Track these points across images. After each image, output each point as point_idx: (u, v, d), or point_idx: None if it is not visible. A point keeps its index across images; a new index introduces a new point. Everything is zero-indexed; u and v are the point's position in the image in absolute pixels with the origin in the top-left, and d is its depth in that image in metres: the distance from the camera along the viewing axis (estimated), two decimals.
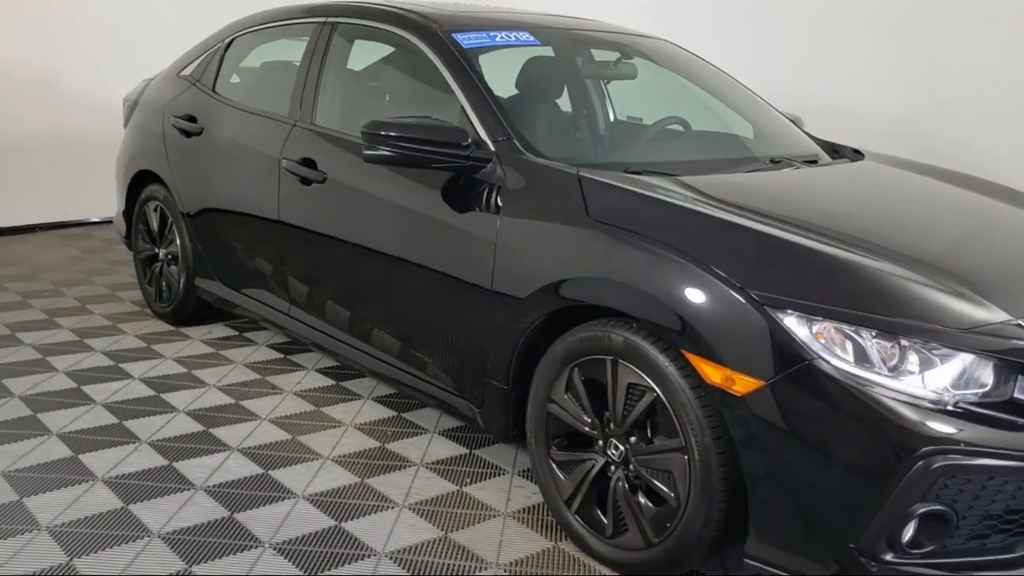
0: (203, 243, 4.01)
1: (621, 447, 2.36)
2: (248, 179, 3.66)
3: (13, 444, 3.02)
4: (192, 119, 4.01)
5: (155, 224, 4.34)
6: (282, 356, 4.01)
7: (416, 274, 2.91)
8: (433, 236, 2.84)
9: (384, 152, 2.72)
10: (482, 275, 2.65)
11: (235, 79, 4.08)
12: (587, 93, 3.84)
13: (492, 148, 2.75)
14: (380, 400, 3.54)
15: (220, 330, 4.33)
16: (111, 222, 6.93)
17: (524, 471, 2.98)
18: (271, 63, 4.06)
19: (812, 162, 3.18)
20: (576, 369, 2.44)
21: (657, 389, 2.23)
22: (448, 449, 3.14)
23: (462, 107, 2.89)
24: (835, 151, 3.48)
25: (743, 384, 2.04)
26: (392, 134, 2.70)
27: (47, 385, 3.55)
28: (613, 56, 3.65)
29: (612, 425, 2.38)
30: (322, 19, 3.57)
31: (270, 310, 3.69)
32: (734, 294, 2.08)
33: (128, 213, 4.60)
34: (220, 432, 3.20)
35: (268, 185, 3.49)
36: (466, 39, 3.09)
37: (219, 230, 3.89)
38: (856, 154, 3.42)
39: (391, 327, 3.12)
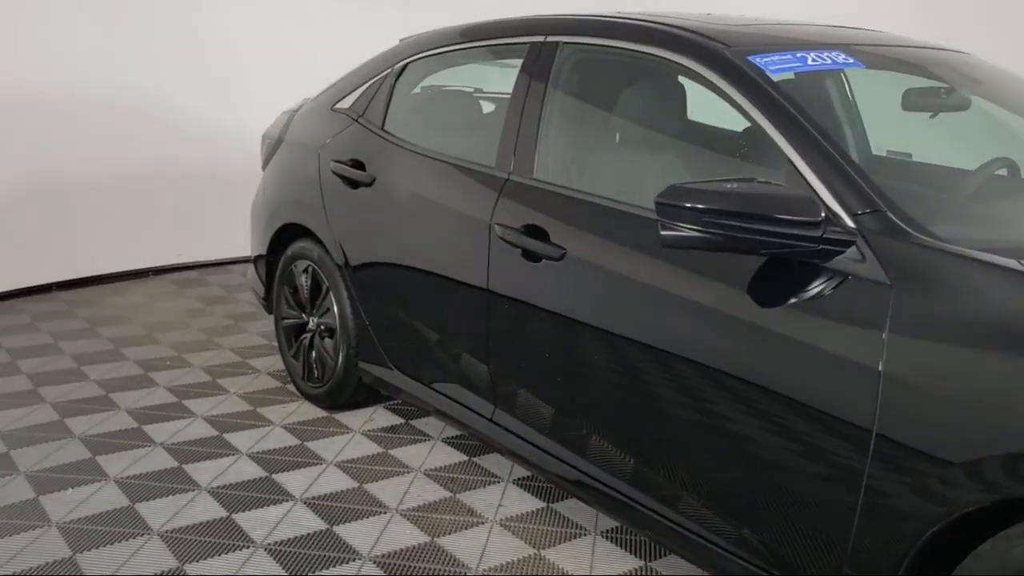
0: (372, 319, 3.23)
1: None
2: (442, 246, 2.85)
3: None
4: (359, 165, 3.23)
5: (305, 289, 3.57)
6: (466, 458, 3.20)
7: (712, 389, 2.06)
8: (745, 343, 1.98)
9: (692, 232, 1.87)
10: (851, 410, 1.77)
11: (411, 115, 3.29)
12: (862, 129, 2.96)
13: (851, 225, 1.88)
14: (608, 536, 2.69)
15: (383, 417, 3.55)
16: (228, 264, 6.31)
17: None
18: (459, 96, 3.26)
19: None
20: None
21: None
22: None
23: (790, 162, 2.03)
24: None
25: None
26: (703, 206, 1.85)
27: (190, 512, 2.78)
28: (927, 82, 2.74)
29: None
30: (539, 38, 2.74)
31: (465, 411, 2.87)
32: None
33: (268, 272, 3.86)
34: None
35: (473, 256, 2.68)
36: (770, 63, 2.23)
37: (397, 306, 3.09)
38: None
39: (660, 455, 2.27)
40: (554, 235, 2.42)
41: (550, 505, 2.88)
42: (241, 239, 6.01)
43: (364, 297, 3.25)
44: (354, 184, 3.23)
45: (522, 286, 2.54)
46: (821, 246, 1.84)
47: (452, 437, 3.37)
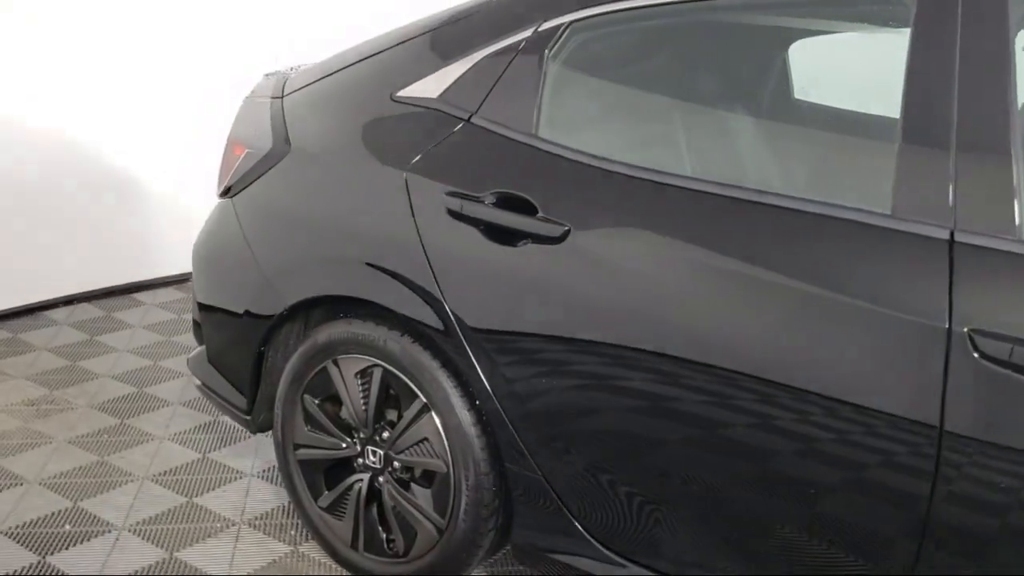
0: (556, 471, 1.86)
1: None
2: (786, 359, 1.58)
3: None
4: (518, 203, 1.83)
5: (365, 403, 2.12)
6: None
7: None
8: None
9: None
10: None
11: (607, 116, 1.95)
12: None
13: None
14: None
15: None
16: (45, 309, 4.19)
17: None
18: (720, 81, 1.96)
19: None
20: None
21: None
22: None
23: None
24: None
25: None
26: None
27: None
28: None
29: None
30: None
31: None
32: None
33: (256, 366, 2.33)
34: None
35: (892, 383, 1.47)
36: None
37: (647, 455, 1.76)
38: None
39: None
40: None
41: None
42: (65, 268, 4.14)
43: (535, 431, 1.87)
44: (511, 237, 1.83)
45: None
46: None
47: None
